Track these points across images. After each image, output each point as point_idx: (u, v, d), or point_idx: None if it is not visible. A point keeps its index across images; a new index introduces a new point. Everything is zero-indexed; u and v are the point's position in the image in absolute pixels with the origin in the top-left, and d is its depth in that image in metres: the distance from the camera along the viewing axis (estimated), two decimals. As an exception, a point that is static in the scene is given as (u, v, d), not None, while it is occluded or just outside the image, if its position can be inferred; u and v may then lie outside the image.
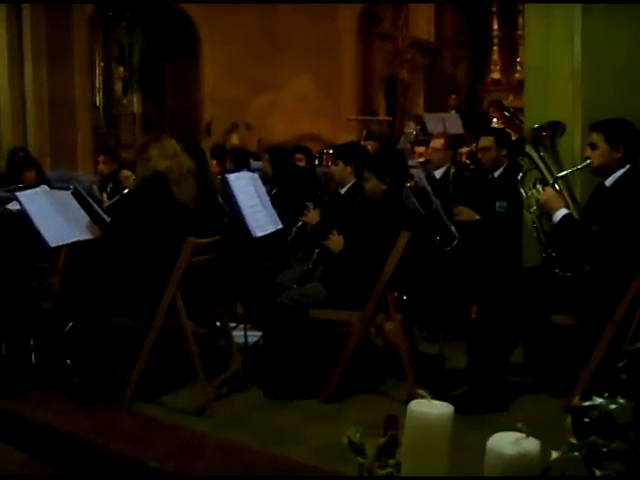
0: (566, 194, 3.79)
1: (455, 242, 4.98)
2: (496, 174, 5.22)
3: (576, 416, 1.04)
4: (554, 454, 1.02)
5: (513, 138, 7.33)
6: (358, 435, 1.19)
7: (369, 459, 1.16)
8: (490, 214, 5.04)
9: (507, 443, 1.04)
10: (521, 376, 4.11)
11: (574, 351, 3.95)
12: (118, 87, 12.06)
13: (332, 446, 3.29)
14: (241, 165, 6.49)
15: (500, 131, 5.97)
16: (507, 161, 5.19)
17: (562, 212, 3.68)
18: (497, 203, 5.02)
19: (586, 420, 1.04)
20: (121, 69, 12.06)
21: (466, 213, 5.13)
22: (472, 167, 5.63)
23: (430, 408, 1.19)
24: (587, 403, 1.04)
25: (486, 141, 5.26)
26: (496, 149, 5.18)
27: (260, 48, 11.79)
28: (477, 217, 5.11)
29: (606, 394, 1.03)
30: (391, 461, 1.14)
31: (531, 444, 1.04)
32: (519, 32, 14.04)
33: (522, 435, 1.07)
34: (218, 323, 4.34)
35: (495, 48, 15.14)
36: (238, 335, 4.74)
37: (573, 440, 1.02)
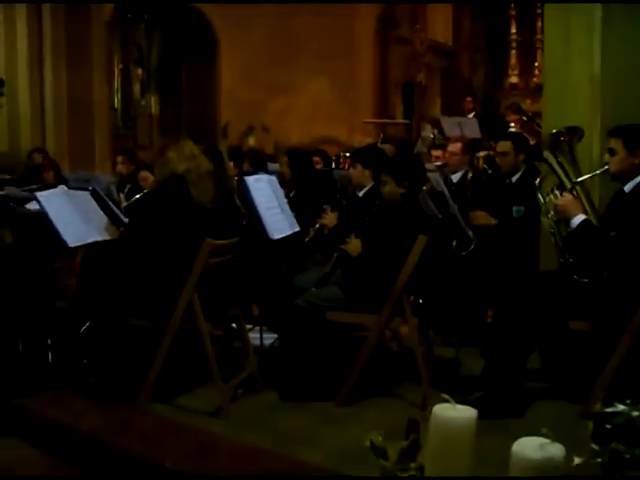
0: (584, 200, 3.77)
1: (472, 246, 4.96)
2: (514, 179, 5.20)
3: (598, 422, 1.03)
4: (576, 460, 1.01)
5: (531, 143, 7.29)
6: (380, 438, 1.19)
7: (391, 462, 1.16)
8: (507, 219, 5.02)
9: (532, 448, 1.03)
10: (537, 381, 4.09)
11: (591, 357, 3.92)
12: (136, 89, 12.11)
13: (347, 449, 3.29)
14: (258, 167, 6.50)
15: (518, 136, 5.94)
16: (525, 166, 5.18)
17: (580, 218, 3.66)
18: (514, 208, 5.00)
19: (608, 427, 1.03)
20: (139, 71, 12.12)
21: (483, 217, 5.11)
22: (490, 172, 5.61)
23: (454, 413, 1.19)
24: (609, 410, 1.03)
25: (504, 146, 5.24)
26: (514, 154, 5.16)
27: (277, 51, 11.81)
28: (494, 222, 5.09)
29: (628, 401, 1.02)
30: (413, 464, 1.14)
31: (556, 449, 1.04)
32: (537, 36, 14.00)
33: (547, 440, 1.06)
34: (234, 325, 4.35)
35: (513, 52, 15.08)
36: (254, 337, 4.75)
37: (595, 446, 1.02)
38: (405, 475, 1.10)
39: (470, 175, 5.52)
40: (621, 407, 1.02)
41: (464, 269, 4.94)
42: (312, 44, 12.16)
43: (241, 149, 9.18)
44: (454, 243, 4.98)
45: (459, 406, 1.19)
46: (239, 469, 3.01)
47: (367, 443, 1.20)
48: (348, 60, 12.79)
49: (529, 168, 5.14)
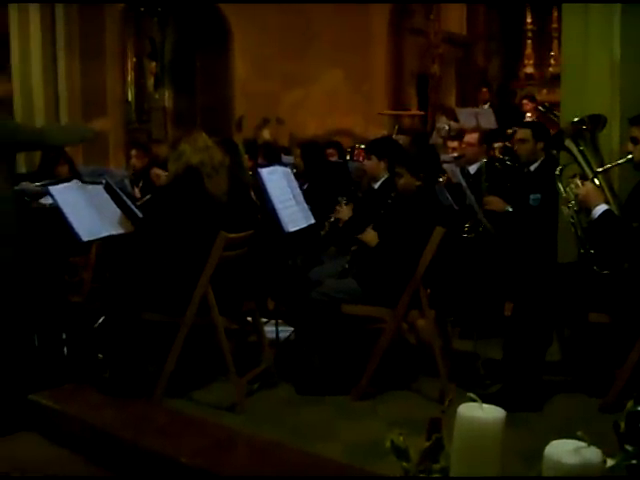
0: (606, 189, 3.70)
1: (480, 229, 4.93)
2: (532, 168, 5.14)
3: (630, 421, 0.98)
4: (609, 462, 0.96)
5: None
6: (402, 438, 1.15)
7: (413, 463, 1.12)
8: (523, 207, 4.96)
9: (567, 452, 0.98)
10: (557, 374, 4.05)
11: (611, 350, 3.87)
12: (150, 82, 12.10)
13: (364, 443, 3.26)
14: (272, 160, 6.46)
15: (538, 124, 5.88)
16: (544, 155, 5.11)
17: (602, 208, 3.59)
18: (531, 196, 4.95)
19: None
20: (153, 64, 12.10)
21: (496, 202, 5.07)
22: (507, 161, 5.54)
23: (481, 413, 1.14)
24: (642, 408, 0.98)
25: (523, 133, 5.18)
26: (533, 142, 5.09)
27: (291, 43, 11.76)
28: (508, 208, 5.03)
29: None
30: (436, 466, 1.10)
31: (592, 454, 0.98)
32: (553, 25, 13.86)
33: (582, 444, 1.01)
34: (249, 318, 4.33)
35: (528, 42, 14.92)
36: (270, 330, 4.73)
37: (629, 448, 0.96)
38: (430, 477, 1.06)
39: (484, 163, 5.47)
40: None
41: (481, 261, 4.90)
42: (326, 36, 12.10)
43: (256, 142, 9.16)
44: (466, 227, 4.96)
45: (486, 405, 1.14)
46: (255, 464, 2.98)
47: (387, 443, 1.15)
48: (363, 52, 12.73)
49: (548, 157, 5.08)
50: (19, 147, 4.92)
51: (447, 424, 1.24)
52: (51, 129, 5.20)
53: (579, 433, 1.02)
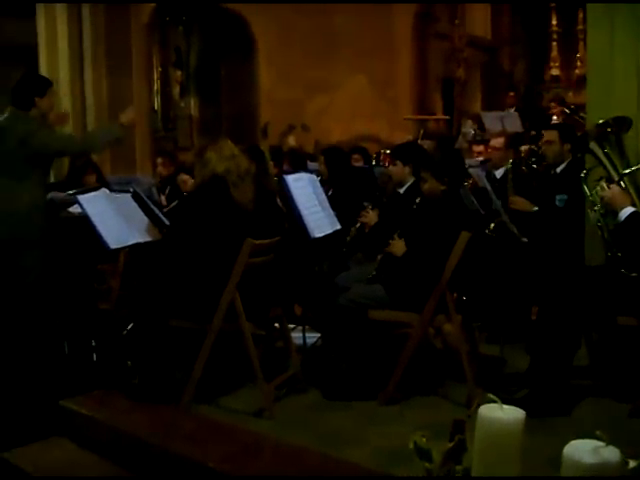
0: (632, 192, 3.66)
1: (493, 225, 4.89)
2: (559, 169, 5.11)
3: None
4: (632, 463, 0.96)
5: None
6: (425, 440, 1.16)
7: (436, 465, 1.13)
8: (549, 208, 4.93)
9: (585, 452, 0.98)
10: (584, 379, 4.01)
11: (640, 354, 3.84)
12: (175, 91, 12.18)
13: (391, 448, 3.26)
14: (298, 167, 6.49)
15: (565, 126, 5.85)
16: (571, 156, 5.08)
17: (628, 210, 3.56)
18: (557, 197, 4.92)
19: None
20: (178, 73, 12.18)
21: (521, 203, 5.04)
22: (533, 164, 5.51)
23: (501, 413, 1.15)
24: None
25: (550, 135, 5.16)
26: (560, 143, 5.06)
27: (315, 49, 11.79)
28: (534, 208, 5.00)
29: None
30: (458, 467, 1.10)
31: (611, 453, 0.98)
32: (579, 27, 13.76)
33: (601, 443, 1.01)
34: (277, 324, 4.34)
35: (554, 44, 14.83)
36: (297, 336, 4.74)
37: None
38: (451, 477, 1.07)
39: (509, 167, 5.45)
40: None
41: (508, 265, 4.87)
42: (350, 41, 12.11)
43: (281, 148, 9.19)
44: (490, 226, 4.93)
45: (506, 406, 1.14)
46: (283, 469, 2.98)
47: (411, 445, 1.16)
48: (387, 57, 12.71)
49: (575, 159, 5.05)
50: (54, 155, 5.02)
51: (473, 427, 1.25)
52: (85, 136, 5.29)
53: (598, 432, 1.02)
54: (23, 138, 4.54)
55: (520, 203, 5.05)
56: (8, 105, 4.67)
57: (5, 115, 4.66)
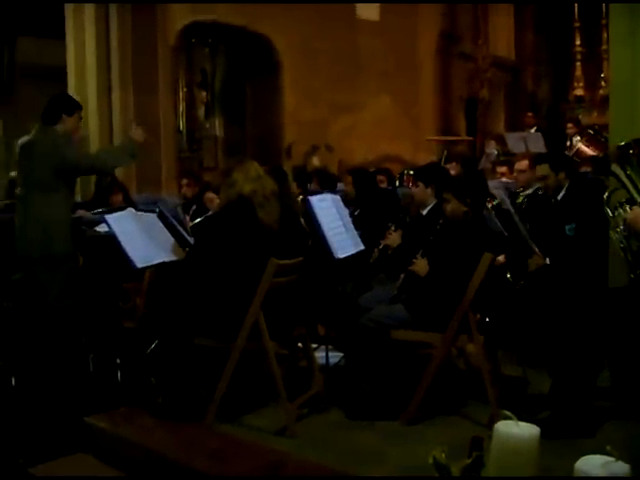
0: (655, 213, 3.67)
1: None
2: (559, 197, 5.09)
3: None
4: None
5: (596, 154, 7.12)
6: (443, 455, 1.18)
7: None
8: (561, 239, 4.90)
9: (596, 466, 1.00)
10: (608, 400, 4.00)
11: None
12: (201, 112, 12.30)
13: (413, 467, 3.27)
14: (327, 187, 6.49)
15: (553, 155, 5.85)
16: (568, 181, 5.07)
17: (651, 231, 3.57)
18: (566, 227, 4.90)
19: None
20: (203, 94, 12.30)
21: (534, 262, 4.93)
22: (539, 191, 5.48)
23: (517, 429, 1.17)
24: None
25: (542, 170, 5.13)
26: (554, 175, 5.06)
27: (339, 70, 11.86)
28: (546, 261, 4.92)
29: None
30: (476, 483, 1.13)
31: (620, 467, 1.01)
32: (603, 47, 13.73)
33: (611, 458, 1.03)
34: (300, 344, 4.37)
35: (578, 64, 14.81)
36: (320, 356, 4.76)
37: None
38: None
39: (524, 199, 5.43)
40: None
41: (530, 287, 4.86)
42: (374, 62, 12.17)
43: (305, 169, 9.22)
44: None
45: (521, 423, 1.17)
46: (305, 488, 3.00)
47: (430, 460, 1.19)
48: (410, 77, 12.76)
49: (573, 182, 5.04)
50: (78, 174, 5.12)
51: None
52: (101, 155, 5.38)
53: (608, 448, 1.04)
54: (50, 150, 4.65)
55: (534, 263, 4.94)
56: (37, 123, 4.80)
57: (33, 132, 4.78)
